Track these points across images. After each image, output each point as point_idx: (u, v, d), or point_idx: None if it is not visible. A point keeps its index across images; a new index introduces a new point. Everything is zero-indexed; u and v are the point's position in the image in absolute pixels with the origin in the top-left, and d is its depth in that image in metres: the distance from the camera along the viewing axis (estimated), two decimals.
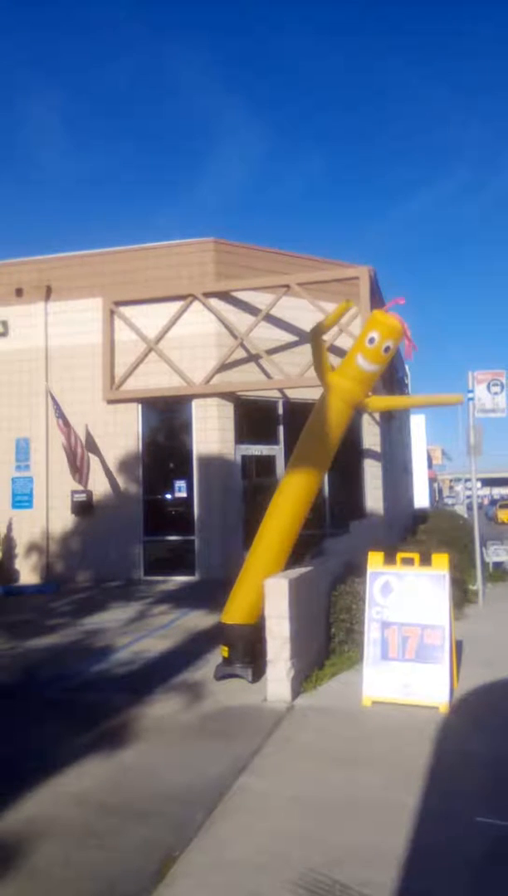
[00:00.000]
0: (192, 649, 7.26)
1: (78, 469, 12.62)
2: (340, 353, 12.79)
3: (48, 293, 13.74)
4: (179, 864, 3.18)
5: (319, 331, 6.49)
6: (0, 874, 3.12)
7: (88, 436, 13.14)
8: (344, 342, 12.80)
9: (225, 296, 13.00)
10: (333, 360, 12.81)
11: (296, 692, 5.56)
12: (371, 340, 6.07)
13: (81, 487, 13.17)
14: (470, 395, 10.56)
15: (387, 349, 6.11)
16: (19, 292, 13.82)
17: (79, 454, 12.64)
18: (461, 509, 31.90)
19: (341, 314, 6.53)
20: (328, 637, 6.63)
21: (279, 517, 6.30)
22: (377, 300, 14.21)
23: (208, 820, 3.59)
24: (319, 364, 6.47)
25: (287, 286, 12.67)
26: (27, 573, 13.35)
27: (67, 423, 12.61)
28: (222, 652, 6.14)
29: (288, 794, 3.90)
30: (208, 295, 12.98)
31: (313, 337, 6.47)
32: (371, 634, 5.65)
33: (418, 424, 36.87)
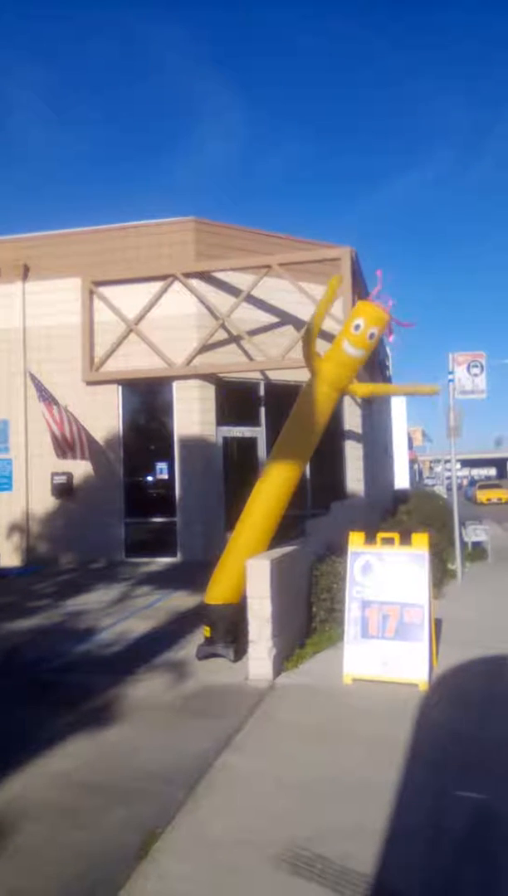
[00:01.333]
0: (174, 630, 7.28)
1: (70, 447, 12.40)
2: (323, 334, 12.77)
3: (26, 272, 13.54)
4: (162, 840, 3.21)
5: (318, 317, 6.60)
6: None
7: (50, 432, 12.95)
8: (325, 323, 12.80)
9: (206, 276, 12.90)
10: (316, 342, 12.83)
11: (278, 671, 5.61)
12: (357, 327, 6.25)
13: (61, 469, 13.09)
14: (451, 377, 10.61)
15: (372, 336, 6.28)
16: None
17: (74, 431, 12.45)
18: (441, 490, 32.20)
19: (334, 293, 6.63)
20: (310, 616, 6.69)
21: (264, 501, 6.32)
22: (358, 281, 14.18)
23: (190, 797, 3.63)
24: (308, 350, 6.55)
25: (268, 266, 12.59)
26: (8, 555, 13.28)
27: (53, 402, 12.48)
28: (205, 632, 6.17)
29: (270, 771, 3.95)
30: (188, 275, 12.86)
31: (313, 324, 6.53)
32: (352, 613, 5.70)
33: (399, 406, 37.02)
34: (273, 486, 6.34)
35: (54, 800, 3.65)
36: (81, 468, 13.14)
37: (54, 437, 12.33)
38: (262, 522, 6.26)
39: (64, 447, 12.39)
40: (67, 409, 12.64)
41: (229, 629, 6.04)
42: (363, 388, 6.80)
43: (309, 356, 6.50)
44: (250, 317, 12.98)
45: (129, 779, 3.88)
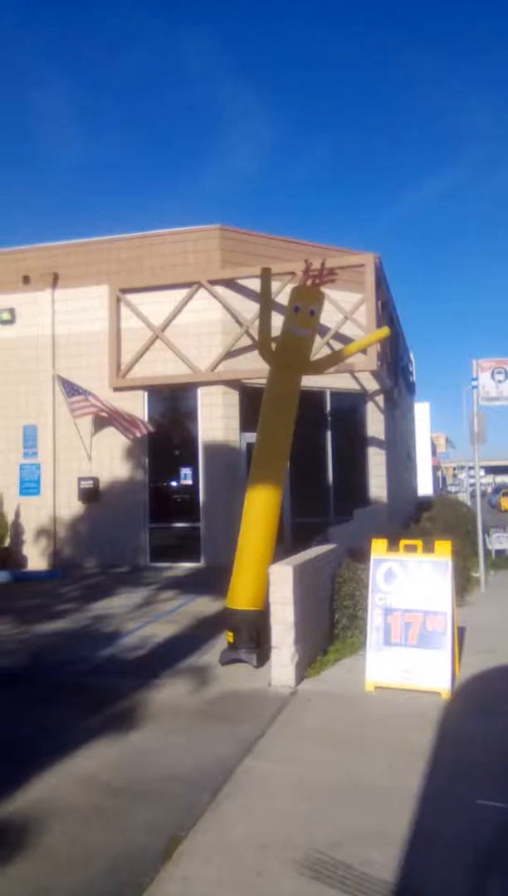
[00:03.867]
0: (197, 634, 7.35)
1: (128, 425, 12.67)
2: (345, 339, 12.80)
3: (55, 280, 13.76)
4: (186, 843, 3.26)
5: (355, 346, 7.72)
6: (11, 852, 3.20)
7: (96, 421, 13.21)
8: (350, 330, 12.82)
9: (231, 283, 13.01)
10: (337, 345, 12.84)
11: (300, 677, 5.64)
12: (297, 309, 6.69)
13: (88, 474, 13.27)
14: (474, 383, 10.57)
15: (312, 313, 6.74)
16: (26, 279, 13.86)
17: (124, 414, 12.69)
18: (464, 497, 31.92)
19: (373, 342, 7.55)
20: (332, 623, 6.71)
21: (260, 498, 6.37)
22: (382, 287, 14.20)
23: (213, 801, 3.67)
24: (264, 343, 6.91)
25: (293, 273, 12.62)
26: (35, 559, 13.47)
27: (89, 395, 12.71)
28: (228, 637, 6.22)
29: (292, 776, 3.98)
30: (213, 282, 12.98)
31: (266, 299, 7.10)
32: (374, 620, 5.72)
33: (422, 412, 36.85)
34: (264, 480, 6.44)
35: (80, 801, 3.72)
36: (106, 473, 13.30)
37: (114, 419, 12.54)
38: (266, 511, 6.35)
39: (126, 425, 12.61)
40: (98, 397, 12.85)
41: (252, 635, 6.08)
42: (322, 362, 7.44)
43: (264, 350, 6.89)
44: (274, 323, 12.99)
45: (153, 781, 3.94)
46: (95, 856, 3.18)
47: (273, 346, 6.87)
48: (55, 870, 3.07)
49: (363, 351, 12.95)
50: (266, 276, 7.12)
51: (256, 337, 12.93)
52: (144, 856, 3.15)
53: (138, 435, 12.84)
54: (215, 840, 3.30)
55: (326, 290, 12.43)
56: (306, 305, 6.68)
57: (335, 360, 7.70)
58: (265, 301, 7.07)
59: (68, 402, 12.91)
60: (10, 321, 13.89)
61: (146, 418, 13.32)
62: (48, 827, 3.43)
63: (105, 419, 12.85)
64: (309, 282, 6.89)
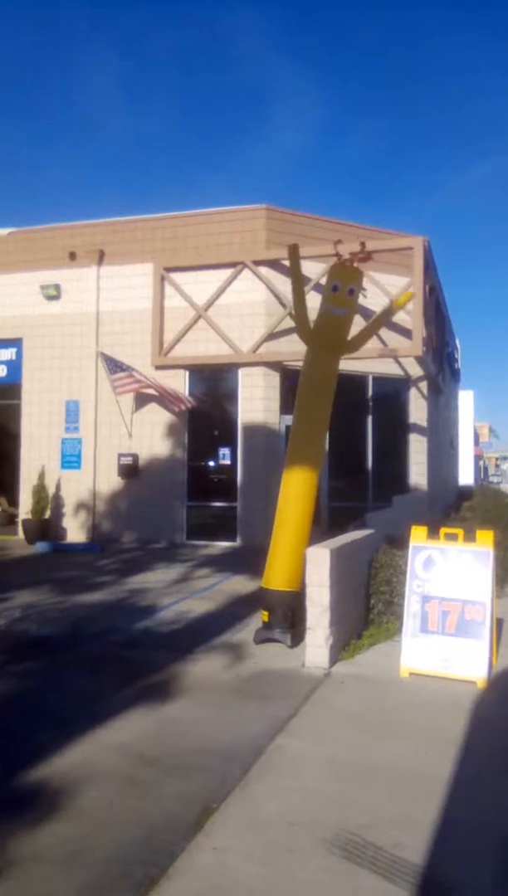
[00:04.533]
0: (232, 612, 7.40)
1: (172, 398, 12.84)
2: (390, 324, 12.63)
3: (101, 257, 13.84)
4: (217, 816, 3.30)
5: (388, 312, 7.56)
6: (48, 814, 3.29)
7: (137, 398, 13.33)
8: (396, 315, 12.61)
9: (275, 264, 12.92)
10: (385, 332, 12.65)
11: (334, 659, 5.64)
12: (335, 288, 6.54)
13: (128, 451, 13.42)
14: None
15: (351, 292, 6.57)
16: (73, 256, 13.97)
17: (167, 388, 12.84)
18: (506, 488, 31.41)
19: (405, 302, 7.55)
20: (367, 608, 6.69)
21: (300, 472, 6.37)
22: (430, 271, 13.95)
23: (244, 776, 3.71)
24: (301, 322, 6.81)
25: (339, 255, 12.50)
26: (74, 532, 13.71)
27: (133, 370, 12.84)
28: (262, 616, 6.26)
29: (324, 756, 4.00)
30: (257, 263, 12.91)
31: (297, 275, 6.91)
32: (411, 607, 5.68)
33: (466, 400, 36.31)
34: (300, 462, 6.41)
35: (114, 768, 3.79)
36: (146, 450, 13.42)
37: (160, 394, 12.69)
38: (301, 498, 6.35)
39: (170, 398, 12.77)
40: (142, 372, 12.97)
41: (287, 615, 6.10)
42: (354, 342, 7.03)
43: (302, 330, 6.81)
44: (317, 306, 12.92)
45: (185, 753, 3.99)
46: (128, 822, 3.24)
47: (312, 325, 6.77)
48: (90, 833, 3.15)
49: (408, 336, 12.78)
50: (294, 252, 6.95)
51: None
52: (176, 825, 3.20)
53: (182, 408, 12.94)
54: (246, 814, 3.33)
55: (373, 273, 12.38)
56: (344, 284, 6.53)
57: (369, 333, 7.33)
58: (296, 279, 6.91)
59: (111, 380, 13.04)
60: (56, 297, 14.04)
61: (188, 393, 13.37)
62: (83, 792, 3.51)
63: (147, 395, 12.96)
64: (347, 258, 6.75)
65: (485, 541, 5.71)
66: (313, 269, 12.74)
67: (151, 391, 12.83)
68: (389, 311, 7.59)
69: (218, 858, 2.96)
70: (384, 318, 7.58)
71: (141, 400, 13.30)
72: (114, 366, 13.02)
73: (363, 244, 6.99)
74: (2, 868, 2.85)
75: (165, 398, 12.82)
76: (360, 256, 6.75)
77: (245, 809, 3.38)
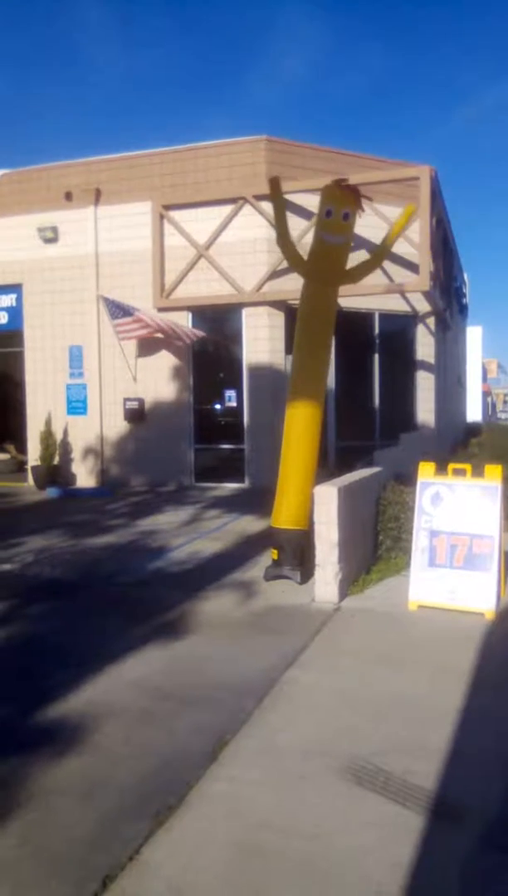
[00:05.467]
0: (242, 552, 7.47)
1: (181, 333, 12.73)
2: (395, 257, 12.33)
3: (97, 196, 13.48)
4: (231, 746, 3.38)
5: (389, 241, 6.84)
6: (67, 748, 3.37)
7: (141, 342, 13.19)
8: (401, 248, 12.31)
9: None
10: (390, 267, 12.36)
11: (343, 595, 5.71)
12: (329, 213, 6.10)
13: (133, 395, 13.35)
14: None
15: (346, 216, 6.12)
16: (69, 196, 13.60)
17: (173, 325, 12.72)
18: None
19: (407, 220, 6.82)
20: (376, 545, 6.73)
21: (302, 408, 6.27)
22: (437, 202, 13.55)
23: (257, 708, 3.78)
24: (291, 255, 6.48)
25: (340, 179, 12.12)
26: (83, 477, 13.78)
27: (136, 311, 12.66)
28: (272, 554, 6.31)
29: (335, 688, 4.07)
30: (258, 197, 12.53)
31: (279, 206, 6.49)
32: (420, 542, 5.70)
33: (474, 336, 35.84)
34: (302, 398, 6.30)
35: (131, 703, 3.87)
36: (151, 394, 13.36)
37: (165, 334, 12.61)
38: (305, 435, 6.27)
39: (179, 334, 12.69)
40: (145, 313, 12.79)
41: (296, 553, 6.15)
42: (353, 273, 6.62)
43: (294, 262, 6.48)
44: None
45: (199, 687, 4.07)
46: (145, 754, 3.32)
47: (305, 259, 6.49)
48: (108, 765, 3.23)
49: (415, 270, 12.50)
50: (275, 185, 6.50)
51: (303, 255, 12.64)
52: (192, 756, 3.28)
53: (189, 341, 12.81)
54: (259, 745, 3.41)
55: (377, 205, 12.01)
56: (338, 208, 6.10)
57: (370, 264, 6.91)
58: (279, 212, 6.52)
59: (113, 325, 12.87)
60: (54, 239, 13.74)
61: (189, 341, 13.22)
62: (101, 726, 3.59)
63: (152, 339, 12.81)
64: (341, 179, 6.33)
65: (494, 475, 5.68)
66: (317, 203, 12.38)
67: (157, 335, 12.67)
68: (389, 237, 6.94)
69: (233, 787, 3.04)
70: (387, 246, 7.00)
71: (145, 344, 13.16)
72: (116, 309, 12.82)
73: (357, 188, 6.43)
74: (22, 801, 2.93)
75: (171, 336, 12.66)
76: (357, 191, 6.27)
77: (259, 740, 3.46)
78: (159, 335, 12.66)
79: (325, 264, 6.34)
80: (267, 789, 3.02)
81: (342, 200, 6.12)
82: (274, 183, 6.55)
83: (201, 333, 12.87)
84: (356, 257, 12.94)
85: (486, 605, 5.33)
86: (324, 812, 2.85)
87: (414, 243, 12.34)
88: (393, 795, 2.95)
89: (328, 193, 6.21)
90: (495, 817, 2.82)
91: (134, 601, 5.90)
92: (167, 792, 2.97)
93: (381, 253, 7.06)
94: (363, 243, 12.60)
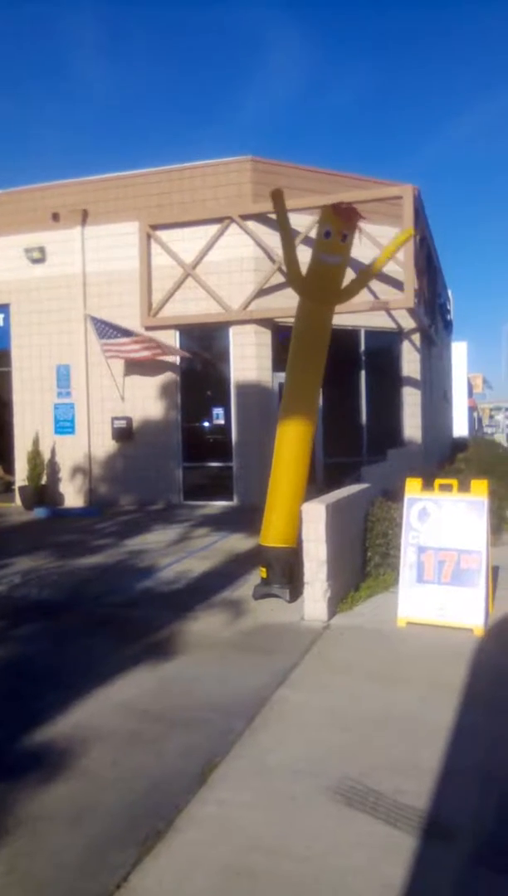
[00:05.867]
0: (231, 570, 7.45)
1: (169, 351, 12.84)
2: (381, 275, 12.45)
3: (85, 217, 13.55)
4: (221, 768, 3.35)
5: (380, 263, 7.00)
6: (54, 773, 3.33)
7: (127, 362, 13.22)
8: (387, 265, 12.39)
9: (263, 217, 12.66)
10: (376, 284, 12.46)
11: (332, 612, 5.70)
12: (327, 234, 6.22)
13: (121, 414, 13.35)
14: None
15: (344, 237, 6.26)
16: (56, 217, 13.67)
17: (162, 344, 12.83)
18: (501, 438, 31.52)
19: (402, 244, 7.23)
20: (364, 561, 6.73)
21: (292, 434, 6.31)
22: (420, 221, 13.71)
23: (247, 729, 3.76)
24: (293, 272, 6.52)
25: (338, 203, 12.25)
26: (71, 496, 13.72)
27: (127, 332, 12.72)
28: (261, 573, 6.29)
29: (325, 707, 4.05)
30: (245, 217, 12.65)
31: (283, 222, 6.51)
32: (408, 558, 5.71)
33: (459, 351, 36.11)
34: (294, 417, 6.34)
35: (118, 726, 3.84)
36: (139, 413, 13.36)
37: (152, 354, 12.74)
38: (298, 448, 6.29)
39: (165, 350, 12.83)
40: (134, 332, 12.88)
41: (285, 570, 6.14)
42: (349, 289, 6.72)
43: (294, 280, 6.54)
44: (308, 259, 12.71)
45: (188, 709, 4.04)
46: (133, 778, 3.29)
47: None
48: (96, 790, 3.19)
49: (400, 287, 12.62)
50: (278, 197, 6.50)
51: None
52: (181, 779, 3.25)
53: (178, 360, 12.90)
54: (249, 766, 3.39)
55: (362, 223, 12.12)
56: (337, 229, 6.21)
57: (363, 281, 7.01)
58: (284, 226, 6.52)
59: (101, 344, 12.89)
60: (41, 259, 13.78)
61: (178, 358, 13.26)
62: (89, 750, 3.56)
63: (138, 359, 12.86)
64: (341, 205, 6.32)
65: (479, 490, 5.71)
66: (302, 222, 12.50)
67: (144, 354, 12.71)
68: (380, 259, 7.12)
69: (222, 810, 3.01)
70: (373, 273, 7.26)
71: (133, 363, 13.17)
72: (104, 329, 12.85)
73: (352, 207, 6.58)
74: (10, 827, 2.89)
75: (158, 356, 12.74)
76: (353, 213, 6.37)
77: (249, 761, 3.44)
78: (147, 354, 12.70)
79: (323, 283, 6.41)
80: (257, 811, 2.99)
81: (340, 222, 6.22)
82: (277, 195, 6.53)
83: (188, 354, 12.95)
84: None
85: (475, 620, 5.33)
86: (315, 833, 2.82)
87: (399, 261, 12.46)
88: (384, 815, 2.93)
89: (327, 215, 6.30)
90: (487, 836, 2.80)
91: (122, 621, 5.86)
92: (156, 816, 2.94)
93: (370, 272, 7.28)
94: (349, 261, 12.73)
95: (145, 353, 12.69)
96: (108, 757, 3.50)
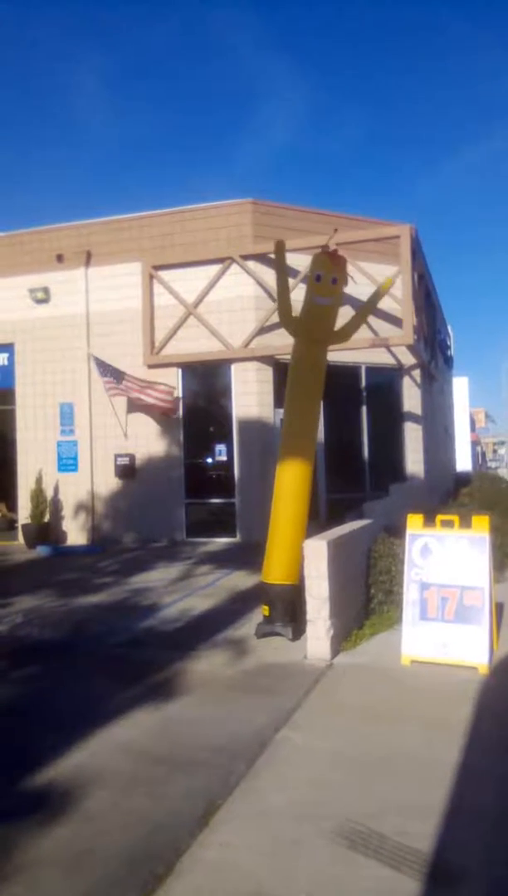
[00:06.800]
0: (234, 608, 7.41)
1: (162, 405, 12.98)
2: (380, 313, 12.61)
3: (88, 258, 13.81)
4: (223, 811, 3.31)
5: (374, 298, 7.61)
6: (55, 816, 3.30)
7: (130, 401, 13.33)
8: (385, 303, 12.60)
9: (263, 258, 12.89)
10: (375, 322, 12.62)
11: (335, 650, 5.66)
12: (318, 278, 6.53)
13: (124, 451, 13.42)
14: None
15: (334, 281, 6.56)
16: (60, 258, 13.93)
17: (158, 388, 12.95)
18: (504, 472, 31.49)
19: (386, 292, 7.57)
20: (368, 598, 6.70)
21: (291, 473, 6.38)
22: (418, 259, 13.93)
23: (250, 771, 3.72)
24: (285, 314, 6.83)
25: (326, 246, 12.46)
26: (74, 534, 13.71)
27: (122, 378, 12.87)
28: (263, 611, 6.27)
29: (328, 747, 4.01)
30: (245, 257, 12.88)
31: (281, 270, 6.99)
32: (410, 595, 5.69)
33: (461, 386, 36.30)
34: (293, 455, 6.44)
35: (119, 768, 3.80)
36: (142, 449, 13.42)
37: (147, 396, 12.87)
38: (295, 490, 6.36)
39: (156, 409, 12.96)
40: (131, 376, 13.06)
41: (288, 608, 6.11)
42: (341, 333, 7.01)
43: (287, 321, 6.82)
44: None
45: (191, 750, 4.00)
46: (134, 821, 3.25)
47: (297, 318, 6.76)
48: (96, 833, 3.15)
49: (399, 325, 12.77)
50: (280, 248, 7.00)
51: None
52: (183, 822, 3.21)
53: (172, 416, 13.03)
54: (251, 809, 3.35)
55: (361, 262, 12.35)
56: (327, 273, 6.52)
57: (357, 323, 7.27)
58: (281, 273, 6.99)
59: (103, 381, 13.04)
60: (45, 300, 14.00)
61: (181, 395, 13.37)
62: (89, 792, 3.52)
63: (137, 401, 13.01)
64: (331, 249, 6.84)
65: (481, 526, 5.72)
66: (302, 262, 12.71)
67: (143, 397, 12.88)
68: (375, 297, 7.48)
69: (224, 853, 2.97)
70: (371, 306, 7.60)
71: (134, 403, 13.30)
72: (104, 370, 13.03)
73: (335, 230, 7.07)
74: (8, 874, 2.85)
75: (153, 399, 12.92)
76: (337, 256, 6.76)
77: (251, 804, 3.40)
78: (144, 398, 12.88)
79: (315, 324, 6.66)
80: (259, 855, 2.95)
81: (330, 267, 6.57)
82: (279, 247, 7.01)
83: (178, 407, 13.20)
84: (344, 313, 13.27)
85: (479, 659, 5.29)
86: (317, 878, 2.78)
87: (398, 299, 12.64)
88: (388, 859, 2.89)
89: (319, 260, 6.67)
90: (492, 879, 2.76)
91: (125, 661, 5.82)
92: (157, 860, 2.90)
93: (364, 312, 7.62)
94: (346, 300, 12.92)
95: (144, 398, 12.91)
96: (109, 799, 3.46)
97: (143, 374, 13.23)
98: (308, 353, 6.67)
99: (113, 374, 12.93)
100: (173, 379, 13.32)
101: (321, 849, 2.98)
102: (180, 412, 13.25)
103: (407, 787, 3.51)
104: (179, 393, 13.31)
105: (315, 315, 6.62)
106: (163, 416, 13.16)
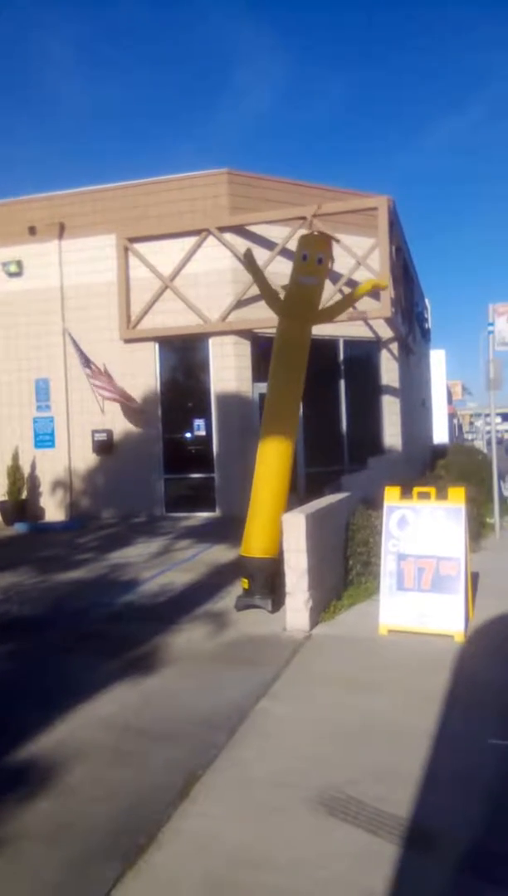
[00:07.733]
0: (213, 582, 7.45)
1: (125, 398, 12.92)
2: (356, 286, 12.56)
3: (62, 231, 13.55)
4: (203, 781, 3.35)
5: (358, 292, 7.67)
6: (36, 790, 3.31)
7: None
8: (362, 275, 12.56)
9: (240, 230, 12.75)
10: (349, 291, 12.59)
11: (314, 622, 5.71)
12: (304, 257, 6.60)
13: (101, 427, 13.33)
14: (490, 328, 10.38)
15: (320, 261, 6.64)
16: (33, 230, 13.64)
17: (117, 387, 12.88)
18: (480, 444, 31.82)
19: (368, 290, 7.62)
20: (346, 570, 6.76)
21: (273, 446, 6.41)
22: (396, 230, 13.87)
23: (229, 741, 3.76)
24: (268, 296, 6.84)
25: (303, 218, 12.37)
26: (53, 511, 13.64)
27: (89, 364, 12.78)
28: (243, 584, 6.31)
29: (307, 717, 4.06)
30: (222, 229, 12.72)
31: (254, 271, 7.05)
32: (388, 566, 5.75)
33: (438, 359, 36.43)
34: (275, 431, 6.46)
35: (100, 742, 3.82)
36: (120, 425, 13.33)
37: (110, 398, 12.84)
38: (279, 463, 6.40)
39: (117, 400, 12.89)
40: (104, 367, 12.95)
41: (267, 581, 6.15)
42: (329, 311, 7.25)
43: (272, 303, 6.85)
44: (285, 270, 12.63)
45: (171, 722, 4.03)
46: (115, 793, 3.28)
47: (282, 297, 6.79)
48: (78, 806, 3.18)
49: (377, 297, 12.74)
50: (249, 258, 7.07)
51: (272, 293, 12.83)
52: (164, 793, 3.24)
53: (131, 400, 13.03)
54: (231, 779, 3.39)
55: (339, 234, 12.25)
56: (313, 253, 6.58)
57: (343, 306, 7.49)
58: (256, 275, 7.05)
59: (79, 360, 13.00)
60: (18, 273, 13.74)
61: (158, 370, 13.28)
62: (71, 766, 3.54)
63: (98, 388, 12.98)
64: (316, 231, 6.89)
65: (457, 498, 5.78)
66: (279, 234, 12.61)
67: (104, 392, 12.86)
68: (356, 293, 7.59)
69: (204, 823, 3.01)
70: (354, 300, 7.86)
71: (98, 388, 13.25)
72: (79, 351, 13.00)
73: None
74: None
75: (116, 399, 12.97)
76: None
77: (231, 774, 3.44)
78: (105, 394, 12.87)
79: (301, 304, 6.68)
80: (239, 824, 3.00)
81: (317, 246, 6.65)
82: (248, 256, 7.11)
83: (136, 403, 13.16)
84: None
85: (455, 627, 5.38)
86: (297, 844, 2.83)
87: (375, 272, 12.59)
88: (366, 824, 2.95)
89: (305, 240, 6.75)
90: (468, 843, 2.83)
91: (105, 636, 5.83)
92: (138, 831, 2.93)
93: (350, 300, 7.82)
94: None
95: (107, 395, 12.86)
96: (91, 773, 3.49)
97: (119, 348, 13.09)
98: (293, 331, 6.68)
99: (83, 358, 12.87)
100: (150, 353, 13.20)
101: (301, 817, 3.03)
102: (139, 401, 13.20)
103: (386, 754, 3.57)
104: (156, 369, 13.22)
105: (301, 295, 6.66)
106: (126, 406, 13.11)
